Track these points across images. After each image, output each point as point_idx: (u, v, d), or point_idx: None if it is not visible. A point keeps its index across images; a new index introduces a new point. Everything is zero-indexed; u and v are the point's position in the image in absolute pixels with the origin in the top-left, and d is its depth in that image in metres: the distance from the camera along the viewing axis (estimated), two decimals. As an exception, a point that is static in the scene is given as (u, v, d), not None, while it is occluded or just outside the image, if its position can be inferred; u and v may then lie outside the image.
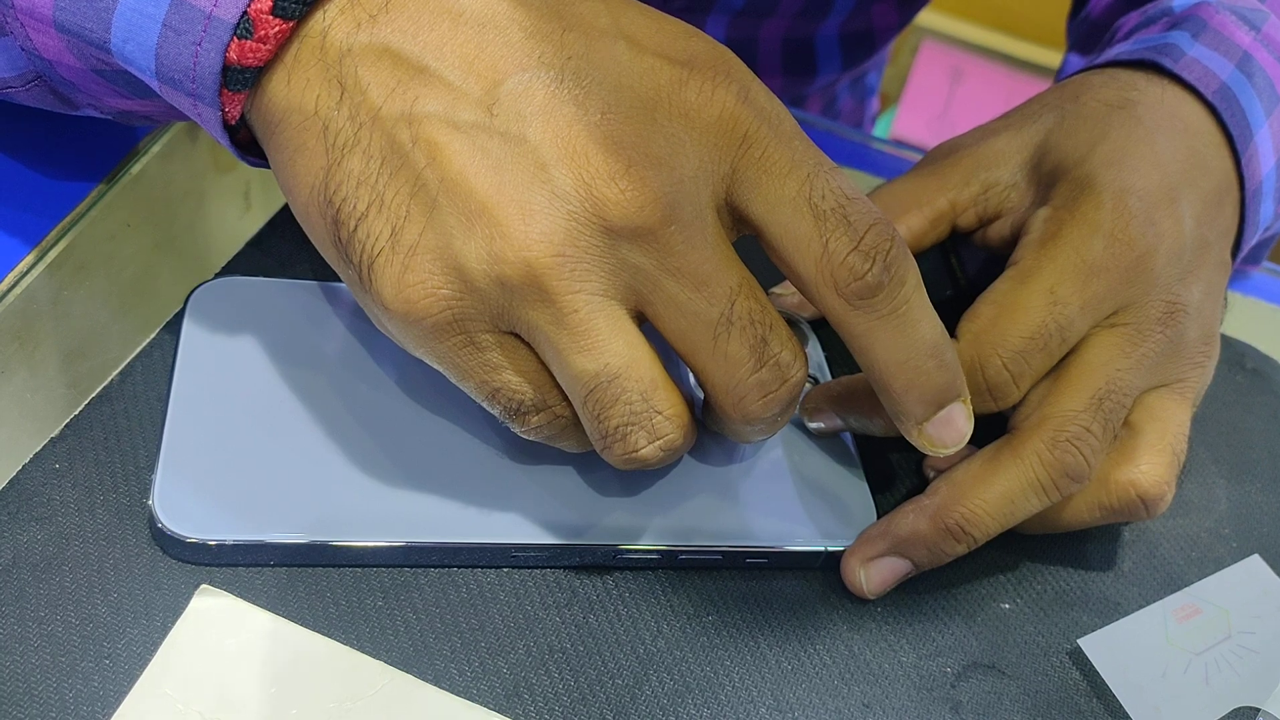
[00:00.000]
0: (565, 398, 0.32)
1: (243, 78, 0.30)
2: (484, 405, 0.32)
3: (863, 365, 0.32)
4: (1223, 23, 0.44)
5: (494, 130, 0.29)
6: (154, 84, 0.31)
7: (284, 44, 0.30)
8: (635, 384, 0.30)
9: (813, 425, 0.38)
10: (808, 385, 0.40)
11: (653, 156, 0.29)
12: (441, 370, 0.31)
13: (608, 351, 0.30)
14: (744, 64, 0.31)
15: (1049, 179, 0.40)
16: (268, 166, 0.32)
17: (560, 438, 0.33)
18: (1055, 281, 0.37)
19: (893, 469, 0.40)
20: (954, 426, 0.33)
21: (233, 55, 0.29)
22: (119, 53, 0.31)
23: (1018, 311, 0.36)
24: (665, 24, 0.31)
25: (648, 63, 0.30)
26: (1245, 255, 0.48)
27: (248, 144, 0.33)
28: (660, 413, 0.31)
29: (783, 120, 0.31)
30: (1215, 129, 0.42)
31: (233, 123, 0.31)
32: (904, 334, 0.31)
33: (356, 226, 0.29)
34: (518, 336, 0.31)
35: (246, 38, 0.29)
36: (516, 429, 0.32)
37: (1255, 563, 0.39)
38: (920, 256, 0.42)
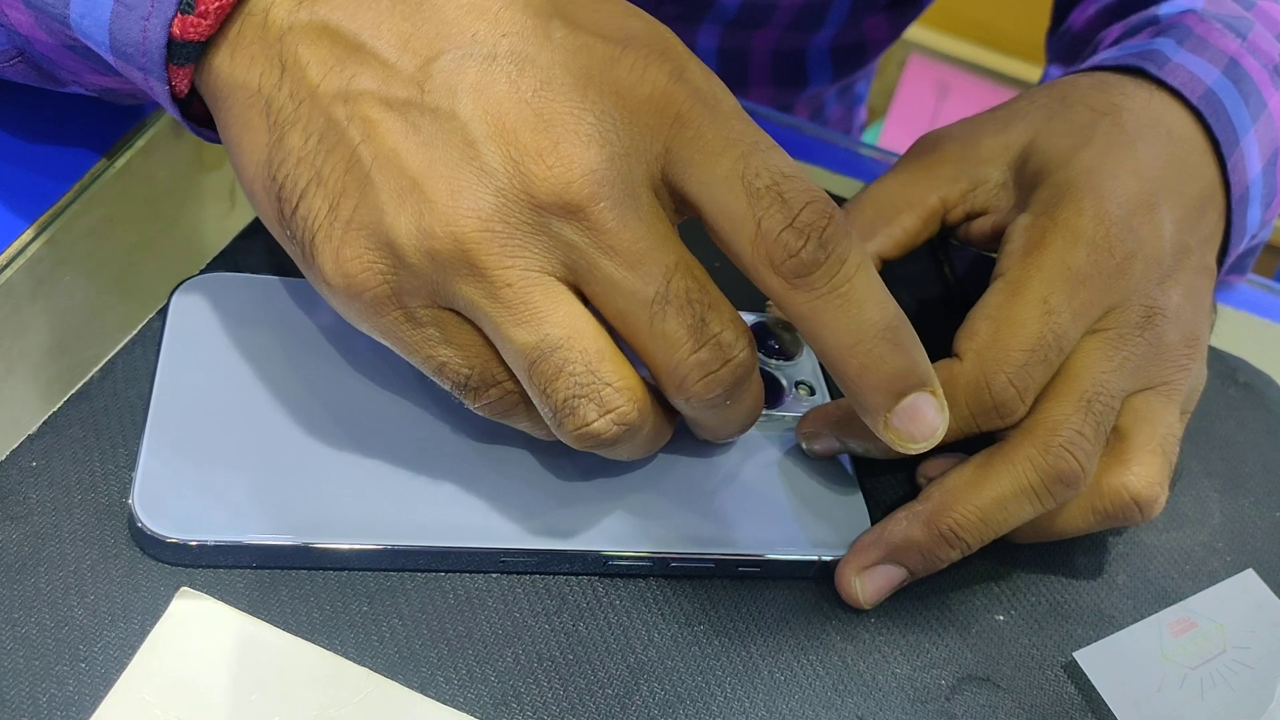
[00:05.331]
0: (513, 374, 0.31)
1: (185, 52, 0.31)
2: (435, 380, 0.32)
3: (818, 354, 0.31)
4: (1209, 30, 0.44)
5: (425, 107, 0.29)
6: (110, 59, 0.32)
7: (228, 20, 0.30)
8: (579, 354, 0.30)
9: (809, 448, 0.37)
10: (803, 393, 0.39)
11: (582, 134, 0.29)
12: (389, 346, 0.32)
13: (546, 322, 0.30)
14: (683, 44, 0.31)
15: (1031, 181, 0.40)
16: (219, 142, 0.32)
17: (513, 415, 0.32)
18: (1047, 291, 0.36)
19: (886, 478, 0.39)
20: (921, 418, 0.31)
21: (176, 30, 0.30)
22: (78, 28, 0.31)
23: (1015, 325, 0.36)
24: (604, 4, 0.31)
25: (582, 40, 0.30)
26: (1231, 264, 0.48)
27: (204, 119, 0.33)
28: (609, 384, 0.30)
29: (720, 99, 0.31)
30: (1200, 135, 0.42)
31: (181, 96, 0.32)
32: (849, 315, 0.30)
33: (298, 203, 0.30)
34: (459, 314, 0.31)
35: (189, 13, 0.30)
36: (470, 405, 0.32)
37: (1249, 577, 0.39)
38: (909, 256, 0.42)
